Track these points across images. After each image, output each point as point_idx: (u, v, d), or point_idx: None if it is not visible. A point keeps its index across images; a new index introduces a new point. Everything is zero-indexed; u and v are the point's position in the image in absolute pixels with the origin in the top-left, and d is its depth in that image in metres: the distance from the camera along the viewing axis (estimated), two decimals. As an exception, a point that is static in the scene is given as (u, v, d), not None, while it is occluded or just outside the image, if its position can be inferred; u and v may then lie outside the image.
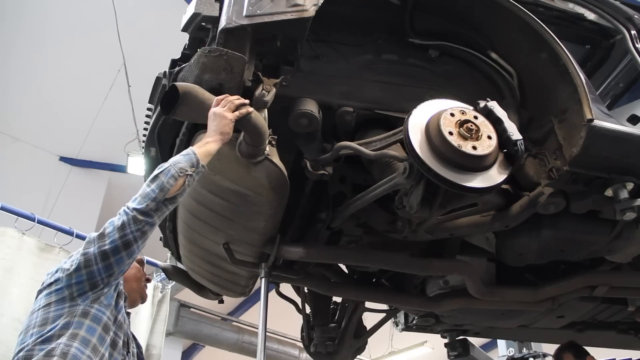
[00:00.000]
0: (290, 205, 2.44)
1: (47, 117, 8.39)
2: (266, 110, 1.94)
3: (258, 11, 1.85)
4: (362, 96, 2.09)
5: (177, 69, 1.94)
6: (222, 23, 1.84)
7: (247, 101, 1.86)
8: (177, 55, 2.08)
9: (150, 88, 2.15)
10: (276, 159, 1.97)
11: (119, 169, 8.96)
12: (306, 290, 3.23)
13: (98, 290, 1.86)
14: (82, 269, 1.83)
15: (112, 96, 7.51)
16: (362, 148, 1.95)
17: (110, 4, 6.26)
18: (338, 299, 3.29)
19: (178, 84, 1.80)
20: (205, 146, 1.85)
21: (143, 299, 2.38)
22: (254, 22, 1.84)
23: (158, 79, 2.10)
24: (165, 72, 2.02)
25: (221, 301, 3.17)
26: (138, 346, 2.33)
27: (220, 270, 2.63)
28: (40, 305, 1.88)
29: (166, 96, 1.81)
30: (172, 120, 2.09)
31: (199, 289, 3.01)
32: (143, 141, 2.29)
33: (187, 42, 2.12)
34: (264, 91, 1.93)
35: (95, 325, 1.85)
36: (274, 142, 1.99)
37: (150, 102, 2.20)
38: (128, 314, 2.22)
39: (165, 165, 1.83)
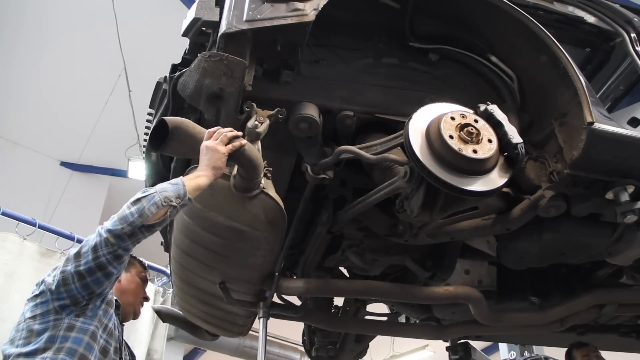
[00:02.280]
0: (290, 209, 2.45)
1: (48, 122, 8.40)
2: (259, 141, 1.91)
3: (258, 16, 1.85)
4: (362, 100, 2.09)
5: (177, 73, 1.93)
6: (223, 28, 1.84)
7: (239, 133, 1.82)
8: (178, 60, 2.08)
9: (151, 93, 2.15)
10: (272, 192, 1.93)
11: (120, 173, 8.97)
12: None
13: (81, 305, 1.84)
14: (61, 287, 1.81)
15: (113, 101, 7.52)
16: (362, 152, 1.95)
17: (111, 8, 6.28)
18: (339, 303, 3.29)
19: (167, 118, 1.75)
20: (196, 179, 1.77)
21: (136, 315, 2.37)
22: (254, 26, 1.84)
23: (159, 84, 2.10)
24: (165, 77, 2.02)
25: (215, 336, 3.05)
26: (131, 354, 2.33)
27: (216, 310, 2.54)
28: (26, 317, 1.87)
29: (155, 131, 1.75)
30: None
31: (194, 330, 2.90)
32: (144, 146, 2.29)
33: (188, 47, 2.12)
34: (257, 122, 1.89)
35: (81, 335, 1.84)
36: (269, 175, 1.94)
37: (150, 106, 2.20)
38: (122, 323, 2.22)
39: (150, 190, 1.77)
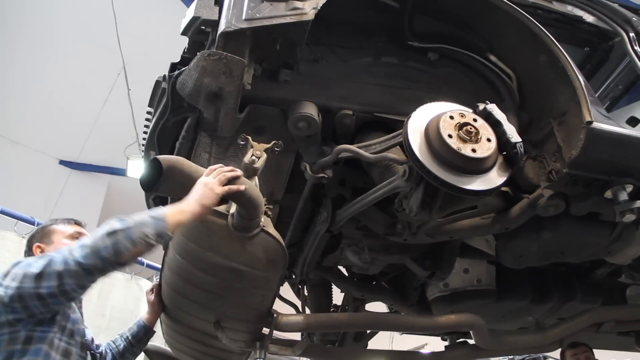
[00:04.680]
0: (289, 208, 2.45)
1: (47, 121, 8.41)
2: (257, 177, 1.87)
3: (257, 15, 1.85)
4: (361, 99, 2.09)
5: (176, 72, 1.93)
6: (222, 26, 1.84)
7: (240, 173, 1.76)
8: (177, 59, 2.08)
9: (150, 91, 2.15)
10: (272, 230, 1.87)
11: (119, 172, 8.98)
12: (306, 293, 3.23)
13: (39, 317, 1.74)
14: (16, 302, 1.67)
15: (112, 100, 7.53)
16: (361, 151, 1.95)
17: (110, 7, 6.28)
18: (338, 302, 3.29)
19: (161, 157, 1.67)
20: (180, 215, 1.66)
21: None
22: (253, 25, 1.84)
23: (158, 83, 2.10)
24: (165, 75, 2.02)
25: None
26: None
27: (209, 348, 2.41)
28: None
29: (148, 169, 1.68)
30: (172, 124, 2.09)
31: None
32: (143, 145, 2.29)
33: (187, 45, 2.12)
34: (254, 157, 1.85)
35: (39, 344, 1.74)
36: (269, 213, 1.89)
37: (149, 105, 2.20)
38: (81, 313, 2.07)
39: (129, 222, 1.63)
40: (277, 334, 2.18)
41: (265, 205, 1.85)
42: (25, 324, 1.73)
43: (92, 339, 2.14)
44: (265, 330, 2.19)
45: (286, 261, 1.94)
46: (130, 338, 2.30)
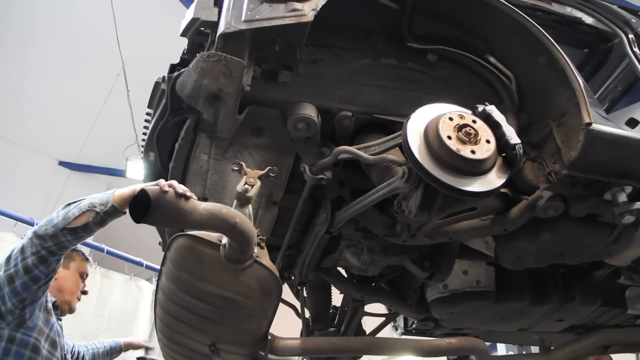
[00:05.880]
0: (288, 209, 2.44)
1: (46, 122, 8.41)
2: (250, 205, 1.84)
3: (257, 16, 1.85)
4: (360, 100, 2.09)
5: (176, 73, 1.93)
6: (221, 28, 1.84)
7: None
8: (176, 60, 2.08)
9: (149, 93, 2.15)
10: (266, 261, 1.86)
11: (118, 173, 8.98)
12: (305, 295, 3.23)
13: (17, 315, 1.82)
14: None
15: (111, 101, 7.53)
16: (360, 152, 1.95)
17: (110, 9, 6.28)
18: (337, 303, 3.29)
19: (148, 188, 1.63)
20: (123, 190, 1.79)
21: (71, 310, 2.37)
22: (252, 26, 1.83)
23: (157, 84, 2.10)
24: (164, 76, 2.02)
25: None
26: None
27: None
28: None
29: (136, 201, 1.66)
30: (171, 125, 2.09)
31: None
32: (142, 146, 2.29)
33: (186, 46, 2.12)
34: (247, 185, 1.83)
35: (22, 349, 1.82)
36: (262, 245, 1.87)
37: (149, 106, 2.20)
38: (61, 326, 2.20)
39: (84, 198, 1.81)
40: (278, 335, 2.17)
41: (258, 236, 1.83)
42: (7, 322, 1.82)
43: (72, 346, 2.23)
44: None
45: (280, 292, 1.93)
46: (108, 348, 2.58)
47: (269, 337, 2.07)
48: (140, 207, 1.59)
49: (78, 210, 1.75)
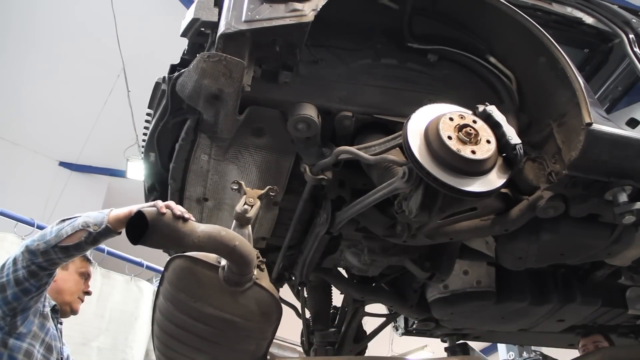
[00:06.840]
0: (289, 210, 2.44)
1: (47, 122, 8.42)
2: (250, 226, 1.81)
3: (257, 16, 1.85)
4: (361, 101, 2.09)
5: (176, 74, 1.93)
6: (221, 28, 1.84)
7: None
8: (177, 61, 2.08)
9: (150, 93, 2.15)
10: (266, 283, 1.83)
11: (119, 173, 8.98)
12: (306, 295, 3.23)
13: (8, 321, 1.82)
14: None
15: (112, 101, 7.54)
16: (361, 152, 1.95)
17: (110, 9, 6.29)
18: (338, 304, 3.29)
19: (145, 210, 1.61)
20: (119, 211, 1.76)
21: (73, 312, 2.33)
22: (252, 27, 1.83)
23: (157, 84, 2.10)
24: (164, 77, 2.02)
25: None
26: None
27: None
28: None
29: (132, 223, 1.63)
30: (171, 126, 2.09)
31: None
32: (142, 146, 2.29)
33: (187, 47, 2.12)
34: (246, 206, 1.81)
35: (15, 354, 1.82)
36: (262, 267, 1.84)
37: (149, 107, 2.20)
38: (60, 330, 2.17)
39: (79, 215, 1.79)
40: (278, 334, 2.15)
41: (257, 258, 1.80)
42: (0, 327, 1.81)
43: (68, 356, 2.20)
44: None
45: (280, 314, 1.90)
46: None
47: (268, 357, 2.06)
48: (137, 229, 1.57)
49: (71, 229, 1.74)
